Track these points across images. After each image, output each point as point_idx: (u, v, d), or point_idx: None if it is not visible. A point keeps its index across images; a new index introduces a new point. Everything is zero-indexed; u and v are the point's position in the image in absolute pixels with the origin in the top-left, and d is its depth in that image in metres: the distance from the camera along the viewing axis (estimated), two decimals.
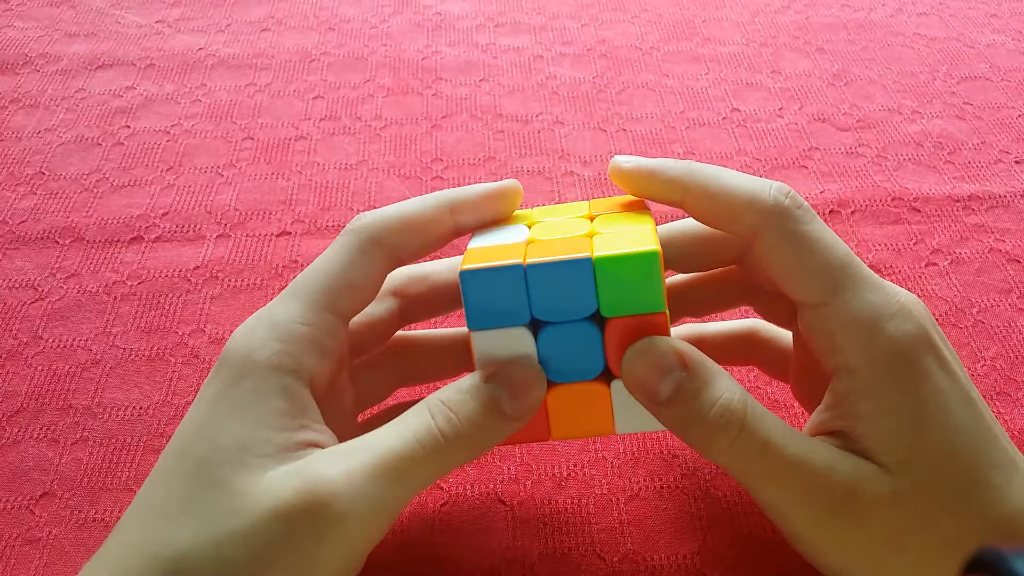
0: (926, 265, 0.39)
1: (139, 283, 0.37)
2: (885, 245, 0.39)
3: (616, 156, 0.24)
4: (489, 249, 0.23)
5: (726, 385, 0.21)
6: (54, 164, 0.42)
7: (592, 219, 0.24)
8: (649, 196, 0.24)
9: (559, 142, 0.45)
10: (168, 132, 0.44)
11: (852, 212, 0.41)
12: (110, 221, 0.39)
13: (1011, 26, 0.54)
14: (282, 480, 0.19)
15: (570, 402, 0.23)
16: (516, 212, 0.26)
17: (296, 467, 0.20)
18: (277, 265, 0.38)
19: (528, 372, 0.22)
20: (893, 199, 0.42)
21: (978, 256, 0.39)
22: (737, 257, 0.25)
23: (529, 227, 0.24)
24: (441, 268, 0.27)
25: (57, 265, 0.37)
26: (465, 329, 0.26)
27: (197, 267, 0.37)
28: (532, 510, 0.29)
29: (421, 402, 0.22)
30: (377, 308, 0.26)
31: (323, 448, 0.21)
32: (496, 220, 0.25)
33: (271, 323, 0.22)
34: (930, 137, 0.46)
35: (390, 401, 0.29)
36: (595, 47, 0.51)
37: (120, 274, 0.37)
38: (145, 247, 0.38)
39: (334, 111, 0.46)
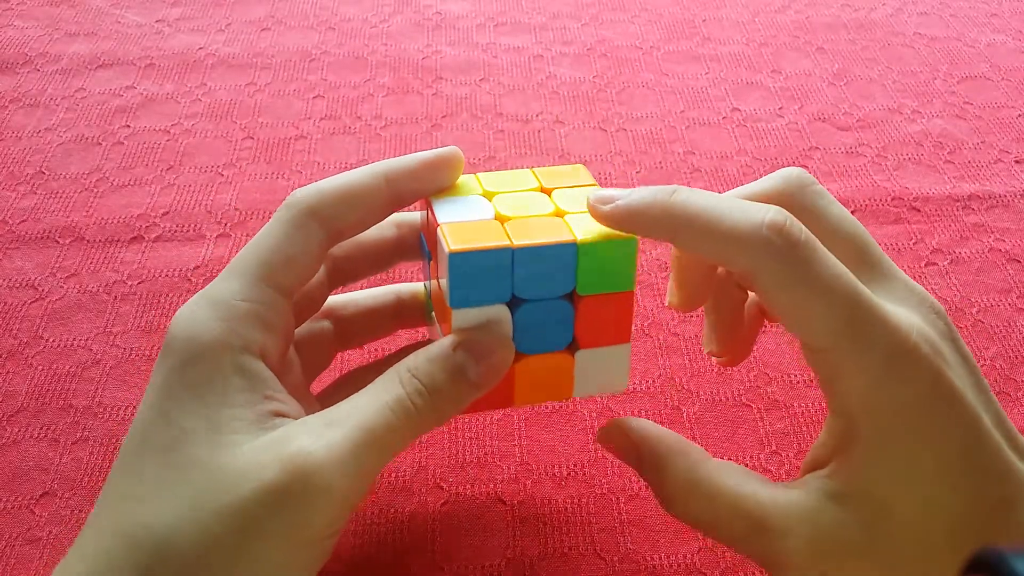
0: (926, 265, 0.39)
1: (139, 283, 0.37)
2: (885, 245, 0.39)
3: (591, 196, 0.22)
4: (466, 227, 0.23)
5: (678, 466, 0.23)
6: (54, 163, 0.42)
7: (549, 193, 0.25)
8: (636, 234, 0.23)
9: (559, 142, 0.45)
10: (168, 131, 0.44)
11: (852, 212, 0.41)
12: (110, 221, 0.39)
13: (1011, 25, 0.54)
14: (263, 455, 0.20)
15: (536, 371, 0.24)
16: (460, 180, 0.26)
17: (273, 440, 0.20)
18: None
19: (496, 341, 0.22)
20: (893, 199, 0.42)
21: (978, 256, 0.39)
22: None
23: (486, 199, 0.25)
24: (368, 230, 0.27)
25: (57, 265, 0.37)
26: (395, 287, 0.28)
27: (197, 267, 0.37)
28: (532, 510, 0.29)
29: (391, 371, 0.22)
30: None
31: (291, 418, 0.21)
32: (438, 189, 0.25)
33: (212, 302, 0.22)
34: (930, 137, 0.46)
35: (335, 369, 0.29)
36: (595, 47, 0.51)
37: (120, 274, 0.37)
38: (145, 247, 0.38)
39: (334, 110, 0.46)
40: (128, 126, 0.45)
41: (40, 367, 0.33)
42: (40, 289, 0.36)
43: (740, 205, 0.21)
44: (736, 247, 0.20)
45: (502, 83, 0.48)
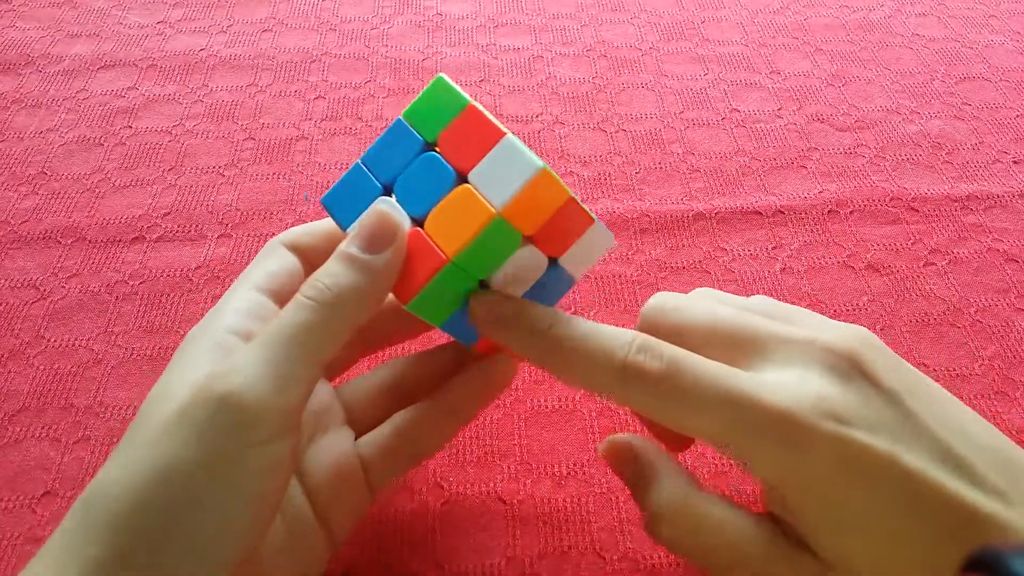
0: (924, 265, 0.39)
1: (141, 283, 0.37)
2: (883, 245, 0.40)
3: (478, 306, 0.23)
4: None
5: (666, 488, 0.23)
6: (56, 164, 0.43)
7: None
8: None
9: (559, 142, 0.45)
10: (170, 132, 0.45)
11: (850, 212, 0.41)
12: (112, 221, 0.40)
13: (1009, 26, 0.54)
14: (183, 390, 0.20)
15: (445, 219, 0.23)
16: None
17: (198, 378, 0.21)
18: None
19: (372, 212, 0.23)
20: (891, 199, 0.42)
21: (976, 256, 0.39)
22: None
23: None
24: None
25: (59, 265, 0.38)
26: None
27: (199, 267, 0.38)
28: (532, 509, 0.29)
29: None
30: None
31: None
32: None
33: (210, 313, 0.24)
34: (928, 137, 0.46)
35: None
36: (595, 47, 0.52)
37: (122, 274, 0.37)
38: (147, 247, 0.38)
39: (335, 111, 0.46)
40: (130, 127, 0.45)
41: (42, 367, 0.33)
42: (42, 289, 0.36)
43: (604, 342, 0.22)
44: (606, 388, 0.22)
45: (502, 84, 0.48)
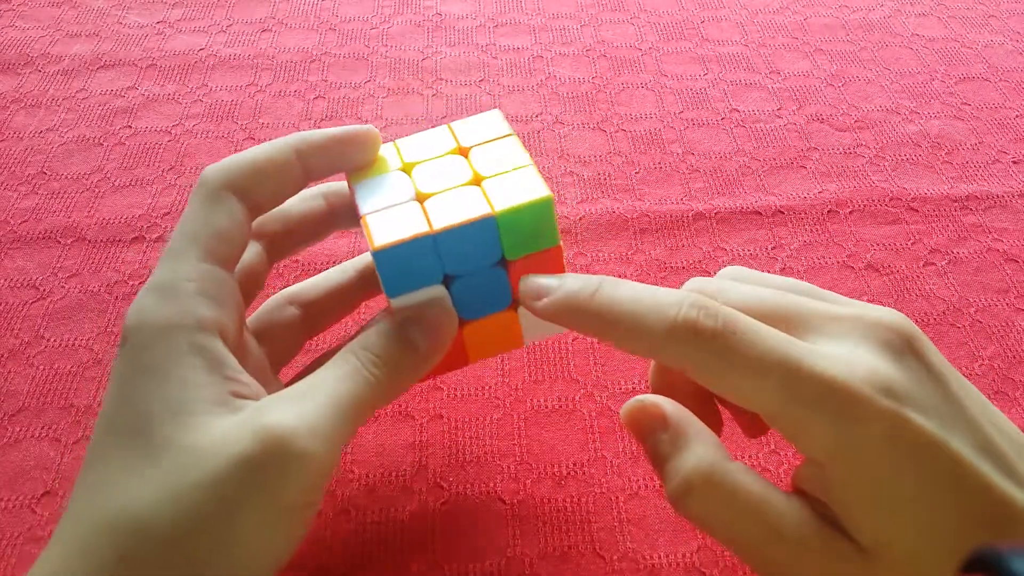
0: (924, 265, 0.39)
1: (140, 282, 0.37)
2: (883, 245, 0.40)
3: (524, 287, 0.23)
4: (387, 216, 0.23)
5: (697, 453, 0.22)
6: (55, 164, 0.43)
7: (466, 154, 0.25)
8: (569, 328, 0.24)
9: (559, 142, 0.45)
10: (169, 132, 0.45)
11: (850, 212, 0.41)
12: (111, 221, 0.40)
13: (1009, 26, 0.54)
14: (236, 430, 0.20)
15: (484, 331, 0.25)
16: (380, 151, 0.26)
17: (245, 416, 0.20)
18: (278, 264, 0.38)
19: (437, 315, 0.24)
20: (891, 199, 0.42)
21: (976, 256, 0.39)
22: None
23: (406, 172, 0.25)
24: (296, 203, 0.27)
25: (58, 264, 0.38)
26: (351, 262, 0.29)
27: None
28: (532, 509, 0.29)
29: (344, 349, 0.23)
30: (247, 254, 0.26)
31: (253, 399, 0.21)
32: (353, 166, 0.25)
33: (157, 288, 0.22)
34: (928, 137, 0.46)
35: (302, 359, 0.29)
36: (594, 47, 0.52)
37: (121, 273, 0.37)
38: (147, 247, 0.38)
39: (335, 111, 0.46)
40: (129, 126, 0.45)
41: (41, 366, 0.33)
42: (41, 289, 0.36)
43: (656, 302, 0.21)
44: (658, 346, 0.21)
45: (502, 84, 0.48)
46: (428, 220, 0.23)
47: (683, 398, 0.24)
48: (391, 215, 0.23)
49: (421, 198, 0.24)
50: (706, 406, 0.25)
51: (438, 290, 0.24)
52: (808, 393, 0.20)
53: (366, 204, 0.24)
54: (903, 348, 0.21)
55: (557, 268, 0.24)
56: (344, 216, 0.28)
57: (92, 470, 0.21)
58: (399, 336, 0.23)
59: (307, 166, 0.25)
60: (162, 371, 0.21)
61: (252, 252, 0.26)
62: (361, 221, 0.23)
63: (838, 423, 0.20)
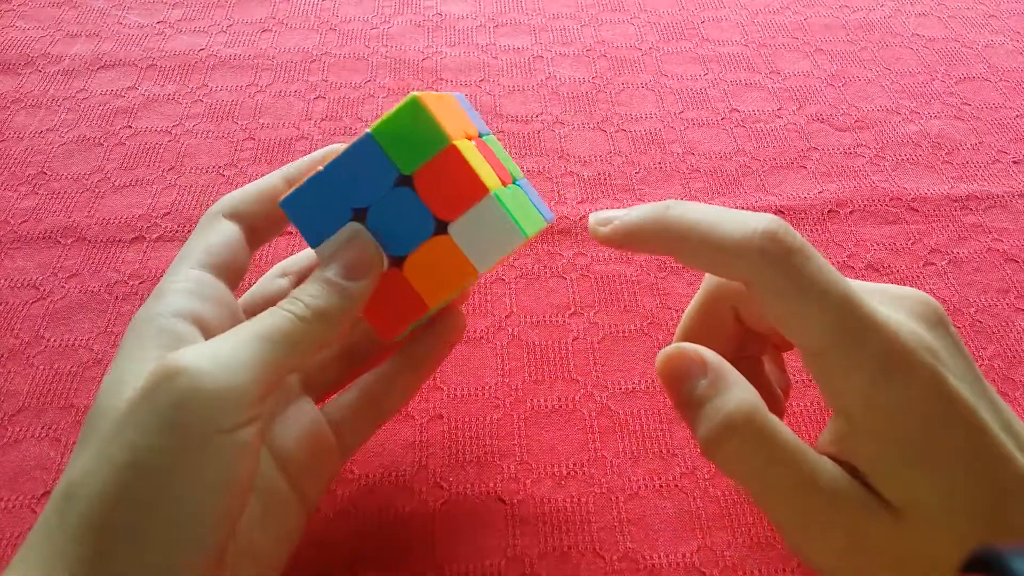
0: (924, 265, 0.39)
1: (140, 283, 0.37)
2: (883, 245, 0.40)
3: (592, 219, 0.24)
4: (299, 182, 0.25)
5: (739, 395, 0.21)
6: (56, 164, 0.43)
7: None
8: (636, 251, 0.24)
9: (559, 142, 0.45)
10: (170, 132, 0.45)
11: (850, 212, 0.41)
12: (112, 221, 0.40)
13: (1009, 26, 0.54)
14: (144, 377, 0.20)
15: (425, 266, 0.24)
16: None
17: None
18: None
19: (352, 242, 0.24)
20: (891, 199, 0.42)
21: (976, 256, 0.39)
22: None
23: None
24: (272, 180, 0.27)
25: (59, 264, 0.38)
26: None
27: None
28: (532, 509, 0.29)
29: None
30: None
31: None
32: None
33: (152, 295, 0.24)
34: (928, 137, 0.46)
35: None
36: (594, 47, 0.52)
37: (122, 273, 0.37)
38: (147, 247, 0.38)
39: (335, 111, 0.46)
40: (130, 127, 0.45)
41: (41, 366, 0.33)
42: (41, 289, 0.36)
43: (734, 215, 0.21)
44: (732, 256, 0.21)
45: (502, 84, 0.48)
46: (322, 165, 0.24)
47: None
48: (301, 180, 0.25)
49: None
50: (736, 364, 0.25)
51: (352, 226, 0.24)
52: (859, 329, 0.20)
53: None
54: (937, 320, 0.22)
55: (466, 174, 0.23)
56: None
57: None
58: (317, 276, 0.23)
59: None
60: (124, 353, 0.22)
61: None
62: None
63: (881, 368, 0.20)
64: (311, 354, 0.23)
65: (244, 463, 0.21)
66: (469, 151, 0.23)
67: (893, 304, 0.22)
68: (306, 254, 0.29)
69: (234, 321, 0.24)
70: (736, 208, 0.41)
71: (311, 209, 0.24)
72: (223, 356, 0.20)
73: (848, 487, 0.21)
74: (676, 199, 0.42)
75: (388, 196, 0.23)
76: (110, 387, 0.21)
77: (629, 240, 0.23)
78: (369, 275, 0.23)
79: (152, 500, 0.19)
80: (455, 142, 0.23)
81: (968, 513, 0.20)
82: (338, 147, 0.26)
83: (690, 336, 0.26)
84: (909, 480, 0.20)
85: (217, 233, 0.25)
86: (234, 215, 0.25)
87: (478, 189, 0.23)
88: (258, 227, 0.26)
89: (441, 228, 0.24)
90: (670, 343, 0.24)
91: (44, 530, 0.20)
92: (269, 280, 0.28)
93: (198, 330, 0.22)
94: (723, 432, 0.21)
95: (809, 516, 0.21)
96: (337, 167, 0.23)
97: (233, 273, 0.25)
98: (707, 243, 0.21)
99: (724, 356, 0.24)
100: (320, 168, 0.24)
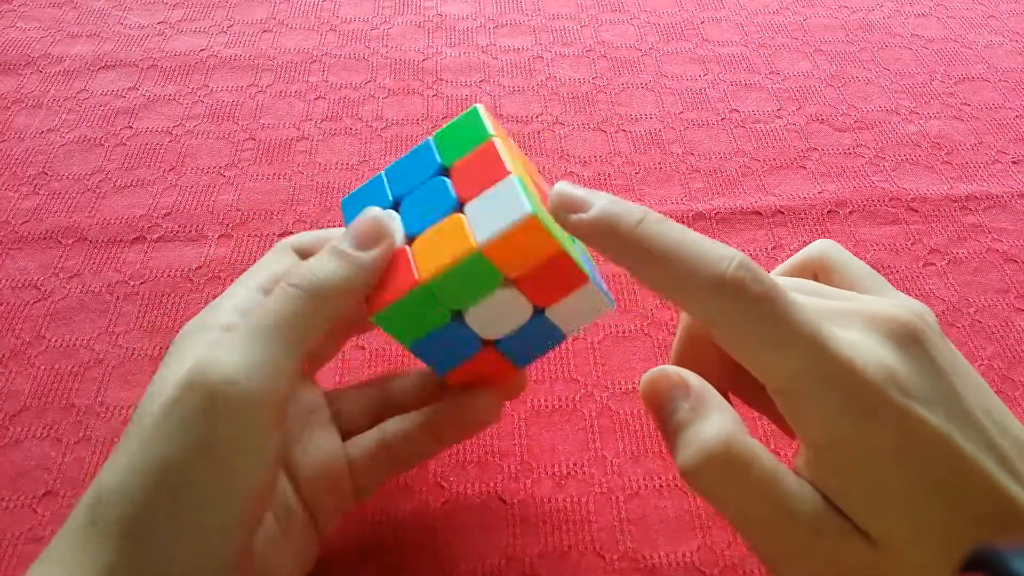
0: (923, 265, 0.39)
1: (141, 283, 0.37)
2: (883, 245, 0.40)
3: (555, 193, 0.22)
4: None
5: (718, 422, 0.21)
6: (57, 164, 0.43)
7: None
8: (598, 251, 0.22)
9: (559, 142, 0.45)
10: (170, 132, 0.45)
11: (850, 212, 0.41)
12: (112, 221, 0.40)
13: (1009, 27, 0.54)
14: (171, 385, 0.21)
15: (429, 242, 0.24)
16: None
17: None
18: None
19: (363, 218, 0.24)
20: (891, 199, 0.42)
21: (975, 256, 0.39)
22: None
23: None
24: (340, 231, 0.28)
25: (60, 265, 0.38)
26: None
27: (199, 267, 0.38)
28: (532, 508, 0.29)
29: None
30: None
31: None
32: None
33: (209, 307, 0.24)
34: (928, 137, 0.46)
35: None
36: (594, 48, 0.52)
37: (122, 274, 0.37)
38: (147, 247, 0.39)
39: (335, 112, 0.46)
40: (130, 127, 0.45)
41: (42, 367, 0.34)
42: (43, 289, 0.37)
43: (703, 250, 0.20)
44: (695, 296, 0.20)
45: (502, 84, 0.48)
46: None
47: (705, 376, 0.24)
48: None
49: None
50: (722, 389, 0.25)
51: (369, 207, 0.25)
52: (827, 372, 0.20)
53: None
54: (907, 340, 0.21)
55: (493, 166, 0.23)
56: None
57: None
58: (328, 247, 0.24)
59: None
60: (170, 360, 0.23)
61: None
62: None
63: (848, 410, 0.20)
64: (321, 332, 0.23)
65: (265, 469, 0.22)
66: (505, 148, 0.24)
67: (867, 328, 0.21)
68: (317, 235, 0.29)
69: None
70: (736, 208, 0.41)
71: (362, 206, 0.25)
72: (234, 356, 0.21)
73: (826, 516, 0.20)
74: (675, 199, 0.42)
75: (424, 184, 0.25)
76: (150, 395, 0.22)
77: (591, 240, 0.21)
78: (380, 244, 0.23)
79: (180, 506, 0.20)
80: (494, 137, 0.24)
81: (944, 544, 0.19)
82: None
83: (681, 361, 0.25)
84: (879, 515, 0.20)
85: (282, 262, 0.26)
86: (303, 251, 0.26)
87: (502, 171, 0.23)
88: None
89: (460, 209, 0.23)
90: (670, 343, 0.24)
91: (70, 533, 0.21)
92: (283, 251, 0.28)
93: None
94: (700, 460, 0.20)
95: (787, 546, 0.20)
96: (393, 168, 0.26)
97: None
98: (675, 276, 0.20)
99: (719, 379, 0.23)
100: (380, 173, 0.26)
